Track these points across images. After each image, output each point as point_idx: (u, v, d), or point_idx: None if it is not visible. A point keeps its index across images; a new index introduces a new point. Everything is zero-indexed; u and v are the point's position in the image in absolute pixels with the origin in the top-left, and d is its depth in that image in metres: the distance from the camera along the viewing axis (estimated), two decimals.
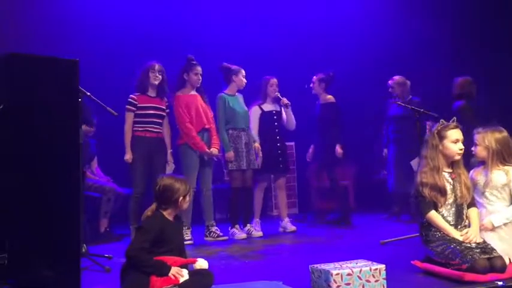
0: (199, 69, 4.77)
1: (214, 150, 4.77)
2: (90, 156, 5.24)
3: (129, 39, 6.25)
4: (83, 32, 5.97)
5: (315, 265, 2.68)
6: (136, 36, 6.33)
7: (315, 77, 5.56)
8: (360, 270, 2.56)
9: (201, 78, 4.78)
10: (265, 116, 5.21)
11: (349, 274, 2.54)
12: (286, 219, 5.25)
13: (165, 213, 2.66)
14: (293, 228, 5.15)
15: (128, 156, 4.51)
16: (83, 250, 3.43)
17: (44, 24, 5.73)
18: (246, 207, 5.04)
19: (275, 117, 5.26)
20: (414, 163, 5.23)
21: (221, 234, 4.77)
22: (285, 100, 5.17)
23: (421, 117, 4.25)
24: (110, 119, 4.51)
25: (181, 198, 2.66)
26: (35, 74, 2.71)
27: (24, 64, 2.72)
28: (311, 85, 5.58)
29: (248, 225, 4.96)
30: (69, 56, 2.88)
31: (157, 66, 4.61)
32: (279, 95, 5.19)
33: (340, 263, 2.68)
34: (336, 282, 2.51)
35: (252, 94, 5.31)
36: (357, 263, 2.67)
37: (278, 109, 5.27)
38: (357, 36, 7.14)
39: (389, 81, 5.64)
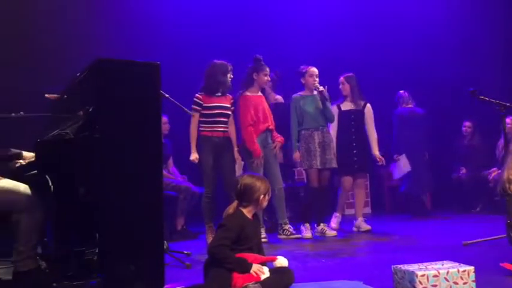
0: (268, 70, 4.80)
1: (278, 145, 4.83)
2: (166, 156, 5.42)
3: (197, 40, 6.43)
4: (149, 34, 6.21)
5: (398, 266, 2.60)
6: (203, 37, 6.49)
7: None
8: (447, 272, 2.45)
9: (269, 78, 4.81)
10: (342, 115, 5.16)
11: (435, 275, 2.44)
12: (361, 219, 5.19)
13: (245, 211, 2.70)
14: (367, 227, 5.06)
15: (194, 157, 4.52)
16: (165, 247, 3.54)
17: (122, 29, 6.02)
18: (320, 207, 5.00)
19: (352, 116, 5.20)
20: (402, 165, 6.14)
21: (294, 232, 4.78)
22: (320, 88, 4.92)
23: (506, 112, 4.04)
24: (184, 120, 4.67)
25: (262, 196, 2.69)
26: (120, 77, 2.83)
27: (110, 68, 2.85)
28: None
29: (321, 224, 4.93)
30: (144, 58, 2.99)
31: (231, 67, 4.64)
32: (318, 86, 4.92)
33: (425, 264, 2.59)
34: (421, 284, 2.42)
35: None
36: (443, 264, 2.56)
37: (357, 108, 5.19)
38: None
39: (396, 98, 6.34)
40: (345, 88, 5.24)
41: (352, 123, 5.18)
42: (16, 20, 5.54)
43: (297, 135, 4.97)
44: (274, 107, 5.23)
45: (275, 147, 4.82)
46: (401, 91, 6.38)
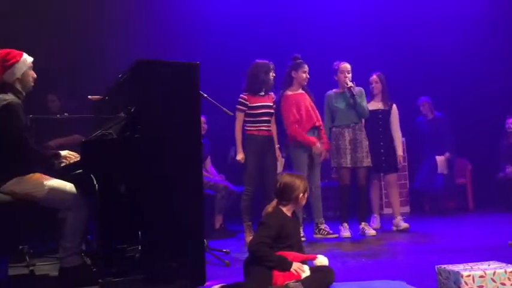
0: (306, 67, 4.77)
1: (325, 153, 4.79)
2: (203, 155, 5.47)
3: (236, 40, 6.46)
4: (189, 34, 6.29)
5: (442, 266, 2.54)
6: (242, 37, 6.52)
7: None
8: (494, 273, 2.38)
9: (308, 76, 4.77)
10: (370, 115, 5.08)
11: (481, 276, 2.37)
12: (399, 217, 5.11)
13: (284, 209, 2.69)
14: (405, 225, 4.98)
15: (240, 157, 4.56)
16: (205, 245, 3.57)
17: (162, 30, 6.13)
18: (360, 206, 4.94)
19: (380, 116, 5.16)
20: (439, 160, 6.43)
21: (331, 231, 4.75)
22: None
23: None
24: (221, 119, 4.71)
25: (301, 195, 2.68)
26: (160, 78, 2.88)
27: (150, 69, 2.90)
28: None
29: (363, 223, 4.87)
30: (184, 58, 3.03)
31: (273, 66, 4.65)
32: (347, 82, 4.84)
33: (470, 264, 2.52)
34: (467, 284, 2.36)
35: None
36: (489, 265, 2.49)
37: (384, 108, 5.16)
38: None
39: (419, 103, 6.66)
40: (377, 87, 5.19)
41: (380, 122, 5.14)
42: (57, 23, 5.71)
43: (328, 133, 4.94)
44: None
45: (322, 156, 4.78)
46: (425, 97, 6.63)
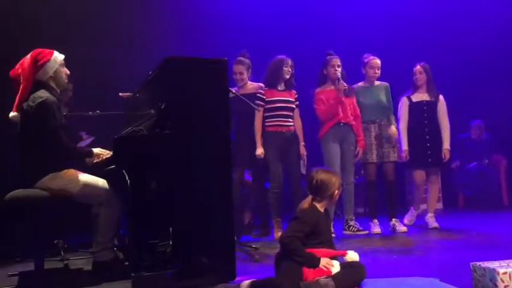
0: (335, 61, 4.68)
1: (360, 151, 4.73)
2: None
3: (261, 35, 6.45)
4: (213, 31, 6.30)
5: (477, 263, 2.48)
6: (267, 32, 6.51)
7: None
8: None
9: (338, 69, 4.69)
10: (414, 107, 4.98)
11: None
12: (431, 215, 4.99)
13: (318, 205, 2.68)
14: (435, 225, 4.85)
15: (260, 151, 4.50)
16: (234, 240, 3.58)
17: (191, 28, 6.17)
18: (389, 202, 4.86)
19: (425, 107, 4.98)
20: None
21: (361, 228, 4.71)
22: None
23: None
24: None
25: (336, 192, 2.67)
26: (189, 75, 2.90)
27: (180, 66, 2.92)
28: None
29: (393, 219, 4.80)
30: (212, 54, 3.04)
31: (290, 61, 4.63)
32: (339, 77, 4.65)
33: (507, 261, 2.45)
34: (503, 282, 2.30)
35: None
36: None
37: (429, 99, 4.98)
38: None
39: (470, 126, 6.85)
40: (422, 78, 4.98)
41: (425, 114, 4.95)
42: (89, 22, 5.80)
43: None
44: (236, 100, 4.12)
45: (357, 155, 4.72)
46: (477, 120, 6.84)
